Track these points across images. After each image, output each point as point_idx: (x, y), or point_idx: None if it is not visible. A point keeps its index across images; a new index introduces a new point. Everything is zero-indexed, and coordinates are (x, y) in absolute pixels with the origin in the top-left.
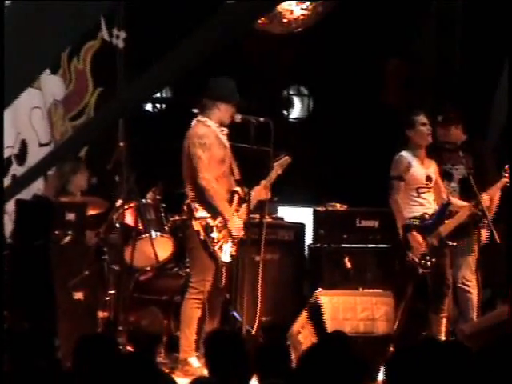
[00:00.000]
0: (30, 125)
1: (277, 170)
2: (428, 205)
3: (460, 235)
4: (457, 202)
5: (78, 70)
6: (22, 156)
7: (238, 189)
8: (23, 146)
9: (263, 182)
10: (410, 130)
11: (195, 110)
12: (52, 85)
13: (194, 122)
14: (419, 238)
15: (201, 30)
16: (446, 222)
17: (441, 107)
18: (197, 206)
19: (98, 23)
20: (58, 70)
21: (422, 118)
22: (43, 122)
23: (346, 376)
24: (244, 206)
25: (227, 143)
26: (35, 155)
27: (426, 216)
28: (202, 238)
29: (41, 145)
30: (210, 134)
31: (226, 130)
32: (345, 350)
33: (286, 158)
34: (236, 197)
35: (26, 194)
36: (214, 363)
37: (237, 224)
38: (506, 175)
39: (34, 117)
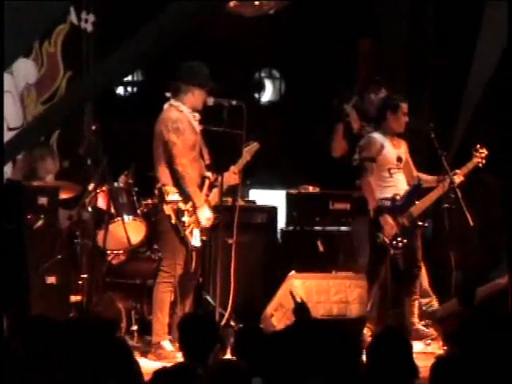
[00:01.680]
0: None
1: (246, 156)
2: (399, 185)
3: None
4: (427, 177)
5: (49, 54)
6: None
7: (208, 174)
8: None
9: (232, 168)
10: (390, 113)
11: (168, 94)
12: (24, 68)
13: (166, 106)
14: (390, 219)
15: (171, 8)
16: (417, 202)
17: None
18: (168, 189)
19: (67, 7)
20: (31, 54)
21: (406, 107)
22: (13, 106)
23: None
24: (214, 190)
25: (198, 129)
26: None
27: (397, 197)
28: (173, 222)
29: (10, 129)
30: (183, 118)
31: (197, 116)
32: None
33: (255, 144)
34: (206, 182)
35: None
36: (187, 347)
37: (206, 215)
38: (478, 154)
39: None
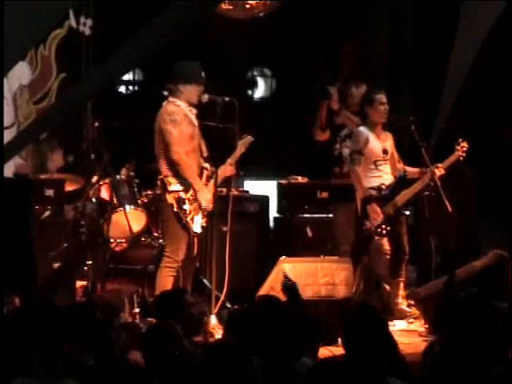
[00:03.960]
0: None
1: (240, 148)
2: (385, 176)
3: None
4: (410, 169)
5: (43, 57)
6: None
7: (206, 165)
8: None
9: (228, 160)
10: (368, 107)
11: (165, 93)
12: (19, 70)
13: (164, 103)
14: (377, 207)
15: (166, 13)
16: (402, 192)
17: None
18: (170, 180)
19: (66, 12)
20: (26, 57)
21: (382, 98)
22: (6, 107)
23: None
24: (212, 181)
25: (196, 122)
26: None
27: (383, 187)
28: (175, 210)
29: None
30: (179, 111)
31: (194, 110)
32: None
33: (249, 137)
34: (205, 172)
35: None
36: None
37: (206, 197)
38: (459, 148)
39: None
